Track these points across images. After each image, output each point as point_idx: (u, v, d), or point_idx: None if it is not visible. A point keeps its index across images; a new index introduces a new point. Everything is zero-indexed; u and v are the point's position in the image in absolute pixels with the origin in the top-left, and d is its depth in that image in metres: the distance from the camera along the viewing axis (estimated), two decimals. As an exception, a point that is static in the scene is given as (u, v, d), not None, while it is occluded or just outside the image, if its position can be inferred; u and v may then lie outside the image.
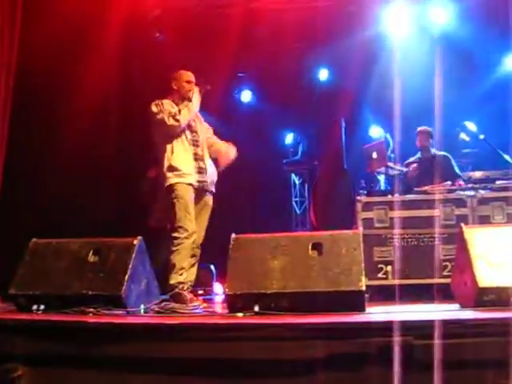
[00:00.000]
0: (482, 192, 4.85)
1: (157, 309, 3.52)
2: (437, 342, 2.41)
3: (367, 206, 4.90)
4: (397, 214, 4.81)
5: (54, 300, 3.37)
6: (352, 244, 3.29)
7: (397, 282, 4.50)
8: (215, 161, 4.53)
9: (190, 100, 4.37)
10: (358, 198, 4.98)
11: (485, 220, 4.71)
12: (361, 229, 3.83)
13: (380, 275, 4.70)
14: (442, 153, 5.78)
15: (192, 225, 4.20)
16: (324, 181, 7.83)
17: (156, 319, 3.28)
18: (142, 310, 3.47)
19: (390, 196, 5.04)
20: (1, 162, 4.99)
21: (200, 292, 5.42)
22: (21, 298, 3.46)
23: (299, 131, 8.46)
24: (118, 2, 6.07)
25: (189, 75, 4.48)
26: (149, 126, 4.38)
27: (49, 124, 6.03)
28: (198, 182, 4.32)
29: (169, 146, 4.29)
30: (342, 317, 2.91)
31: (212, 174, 4.48)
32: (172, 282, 4.07)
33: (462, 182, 5.15)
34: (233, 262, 3.36)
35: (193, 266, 4.28)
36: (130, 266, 3.44)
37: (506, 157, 5.22)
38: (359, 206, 4.90)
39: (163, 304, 3.63)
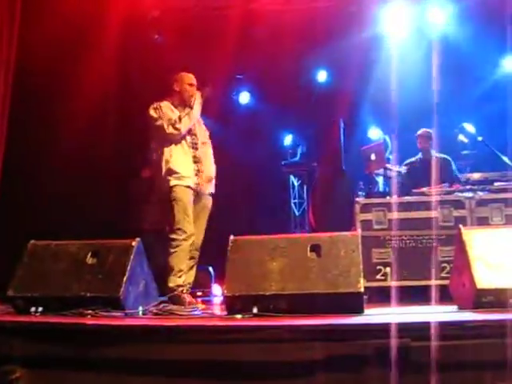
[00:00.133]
0: (480, 193, 4.85)
1: (155, 311, 3.51)
2: (435, 343, 2.41)
3: (366, 208, 4.89)
4: (395, 215, 4.81)
5: (53, 302, 3.36)
6: (350, 246, 3.29)
7: (395, 283, 4.50)
8: None
9: (190, 106, 4.33)
10: (357, 199, 4.98)
11: (483, 221, 4.70)
12: (359, 230, 3.83)
13: (378, 277, 4.70)
14: (443, 155, 5.78)
15: (190, 227, 4.19)
16: (323, 182, 7.81)
17: (154, 321, 3.27)
18: (141, 312, 3.46)
19: (388, 198, 5.04)
20: (0, 158, 4.97)
21: (198, 294, 5.41)
22: (19, 300, 3.45)
23: (298, 133, 8.46)
24: (117, 3, 6.06)
25: (191, 78, 4.43)
26: (147, 129, 4.37)
27: (47, 124, 6.01)
28: (197, 184, 4.32)
29: (167, 149, 4.27)
30: (341, 318, 2.90)
31: (211, 173, 4.46)
32: (171, 284, 4.07)
33: (459, 185, 5.14)
34: (231, 264, 3.35)
35: (191, 268, 4.27)
36: (129, 268, 3.43)
37: (505, 158, 5.23)
38: (358, 208, 4.89)
39: (161, 306, 3.62)
